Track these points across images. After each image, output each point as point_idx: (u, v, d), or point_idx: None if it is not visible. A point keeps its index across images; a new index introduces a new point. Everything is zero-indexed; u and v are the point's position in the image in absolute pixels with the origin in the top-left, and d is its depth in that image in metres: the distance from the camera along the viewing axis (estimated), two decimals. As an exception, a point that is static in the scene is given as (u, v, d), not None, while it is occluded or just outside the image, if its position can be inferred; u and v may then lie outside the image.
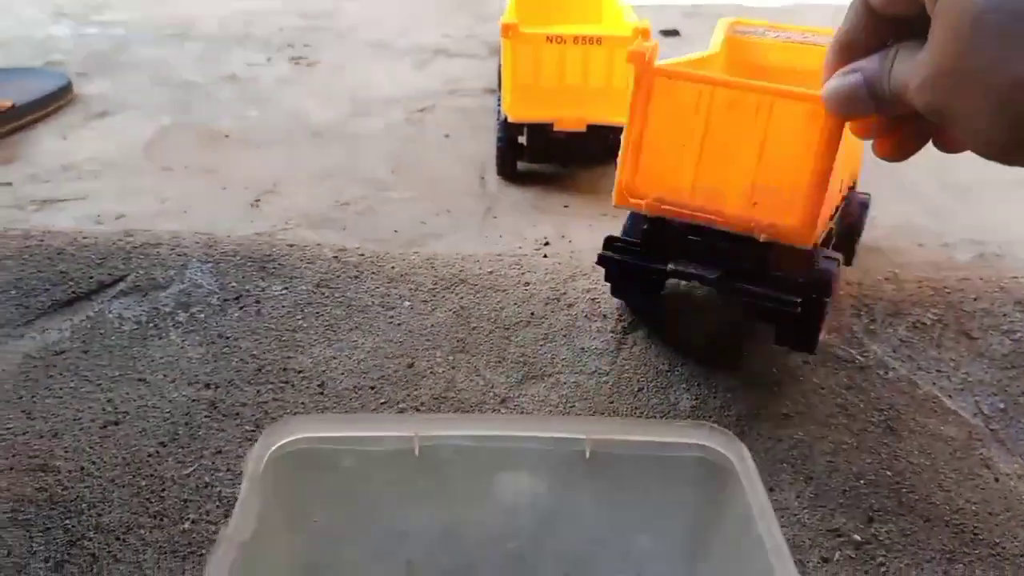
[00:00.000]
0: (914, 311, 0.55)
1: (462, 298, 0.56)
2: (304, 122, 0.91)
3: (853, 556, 0.44)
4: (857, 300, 0.56)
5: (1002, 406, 0.51)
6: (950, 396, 0.51)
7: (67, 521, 0.44)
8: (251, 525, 0.31)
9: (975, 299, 0.56)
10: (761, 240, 0.44)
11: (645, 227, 0.48)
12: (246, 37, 1.16)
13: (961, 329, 0.54)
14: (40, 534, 0.43)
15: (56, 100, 0.91)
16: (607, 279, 0.51)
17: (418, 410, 0.47)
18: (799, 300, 0.46)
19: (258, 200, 0.73)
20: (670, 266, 0.47)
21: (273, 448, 0.33)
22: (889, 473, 0.47)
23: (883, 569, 0.43)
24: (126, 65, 1.03)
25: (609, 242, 0.50)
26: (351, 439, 0.34)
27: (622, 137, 0.46)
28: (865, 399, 0.51)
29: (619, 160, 0.46)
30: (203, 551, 0.43)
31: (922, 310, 0.55)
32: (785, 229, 0.44)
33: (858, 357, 0.53)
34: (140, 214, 0.70)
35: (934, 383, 0.52)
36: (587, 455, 0.35)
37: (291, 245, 0.58)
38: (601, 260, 0.50)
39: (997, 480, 0.47)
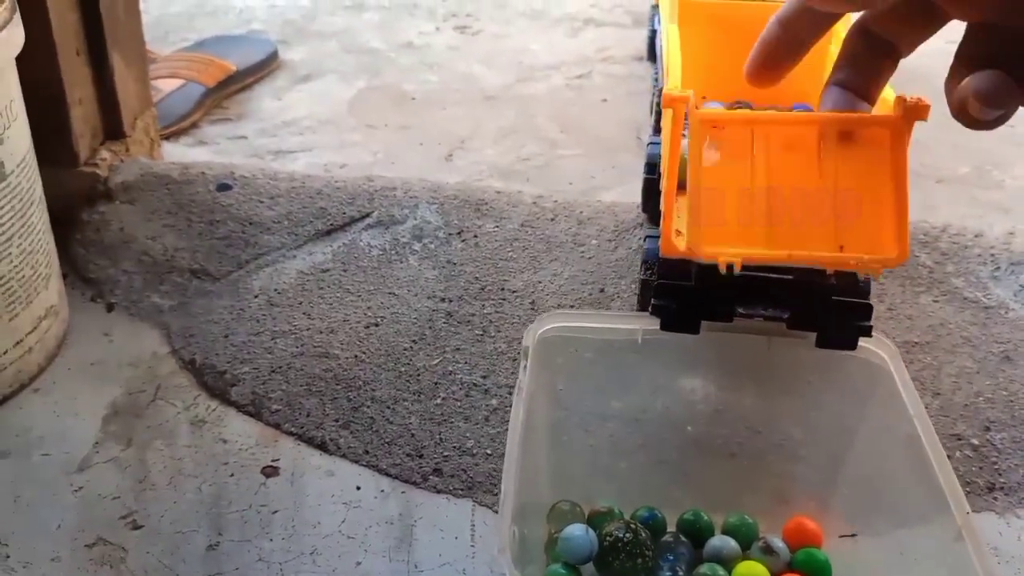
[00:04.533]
0: (1035, 261, 0.64)
1: (640, 239, 0.67)
2: (477, 86, 1.03)
3: (971, 456, 0.54)
4: (983, 251, 0.65)
5: (1110, 345, 0.60)
6: (1063, 334, 0.60)
7: (349, 393, 0.58)
8: (531, 383, 0.44)
9: (1092, 254, 0.64)
10: (830, 272, 0.42)
11: (696, 269, 0.44)
12: (415, 7, 1.29)
13: (1077, 278, 0.62)
14: (330, 402, 0.58)
15: (268, 65, 1.07)
16: (663, 327, 0.47)
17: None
18: (870, 325, 0.44)
19: (451, 154, 0.87)
20: (739, 310, 0.45)
21: (540, 331, 0.46)
22: (1004, 393, 0.57)
23: (996, 467, 0.53)
24: (317, 34, 1.18)
25: (661, 291, 0.45)
26: (592, 329, 0.47)
27: (663, 184, 0.42)
28: (987, 334, 0.60)
29: (666, 208, 0.43)
30: (453, 420, 0.57)
31: (1042, 261, 0.64)
32: (885, 262, 0.40)
33: (982, 299, 0.62)
34: (358, 164, 0.85)
35: (1049, 323, 0.61)
36: (769, 348, 0.47)
37: (498, 192, 0.71)
38: (656, 311, 0.46)
39: (1100, 403, 0.56)
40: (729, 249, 0.40)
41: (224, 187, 0.71)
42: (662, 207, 0.45)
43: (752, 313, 0.44)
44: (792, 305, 0.44)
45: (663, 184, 0.45)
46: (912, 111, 0.39)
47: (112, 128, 0.75)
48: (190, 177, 0.72)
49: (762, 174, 0.41)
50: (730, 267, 0.40)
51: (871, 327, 0.44)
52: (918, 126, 0.40)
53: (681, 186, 0.43)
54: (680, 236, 0.44)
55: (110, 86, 0.73)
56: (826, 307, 0.43)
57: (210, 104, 0.98)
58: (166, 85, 0.96)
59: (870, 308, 0.44)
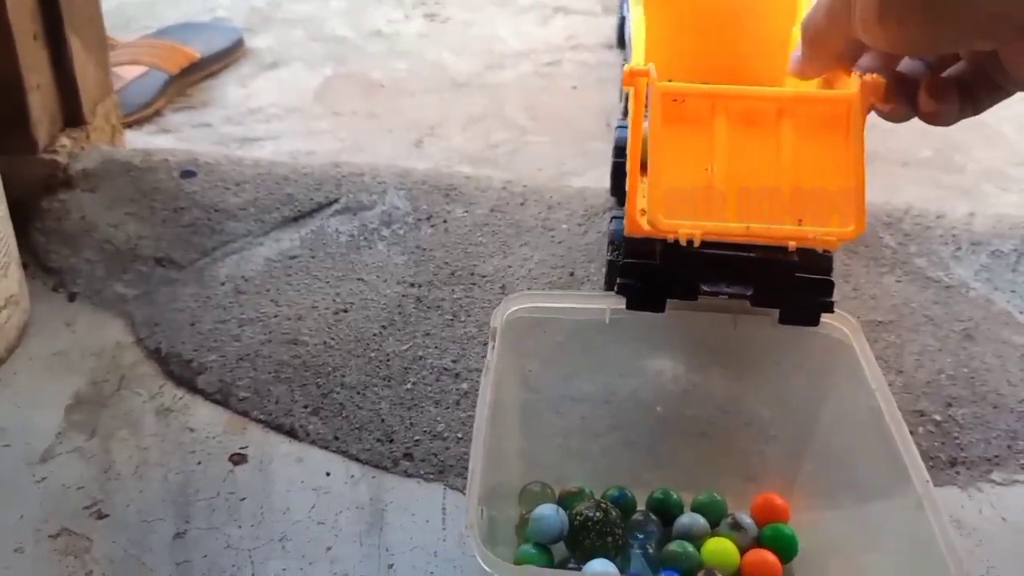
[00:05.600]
0: (994, 241, 0.65)
1: (609, 222, 0.68)
2: (446, 74, 1.03)
3: (933, 431, 0.55)
4: (945, 231, 0.66)
5: (1067, 323, 0.61)
6: (1021, 312, 0.61)
7: (318, 379, 0.58)
8: (499, 364, 0.44)
9: (1050, 233, 0.65)
10: (791, 248, 0.42)
11: (660, 248, 0.44)
12: (382, -5, 1.28)
13: (1035, 257, 0.64)
14: (299, 388, 0.58)
15: (233, 52, 1.05)
16: (629, 305, 0.47)
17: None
18: (832, 301, 0.45)
19: (420, 141, 0.86)
20: (704, 287, 0.45)
21: (508, 312, 0.46)
22: (966, 370, 0.58)
23: (957, 441, 0.54)
24: (283, 21, 1.17)
25: (626, 270, 0.46)
26: (560, 309, 0.47)
27: (627, 165, 0.43)
28: (948, 312, 0.61)
29: (630, 188, 0.43)
30: (423, 405, 0.56)
31: (1001, 240, 0.65)
32: (842, 236, 0.41)
33: (944, 278, 0.63)
34: (326, 152, 0.84)
35: (1008, 301, 0.62)
36: (735, 327, 0.47)
37: (467, 177, 0.71)
38: (622, 290, 0.46)
39: (1058, 379, 0.58)
40: (689, 223, 0.41)
41: (188, 174, 0.70)
42: (627, 187, 0.45)
43: (716, 291, 0.45)
44: (755, 282, 0.44)
45: (628, 165, 0.45)
46: (868, 88, 0.39)
47: (71, 114, 0.73)
48: (153, 164, 0.71)
49: (723, 148, 0.41)
50: (690, 241, 0.41)
51: (833, 303, 0.44)
52: None
53: (644, 166, 0.43)
54: (644, 215, 0.44)
55: (69, 71, 0.72)
56: (788, 284, 0.44)
57: (173, 92, 0.96)
58: (128, 72, 0.94)
59: (831, 284, 0.44)
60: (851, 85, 0.39)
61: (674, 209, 0.41)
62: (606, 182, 0.72)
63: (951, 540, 0.35)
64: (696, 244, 0.40)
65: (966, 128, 0.89)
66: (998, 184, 0.80)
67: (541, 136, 0.89)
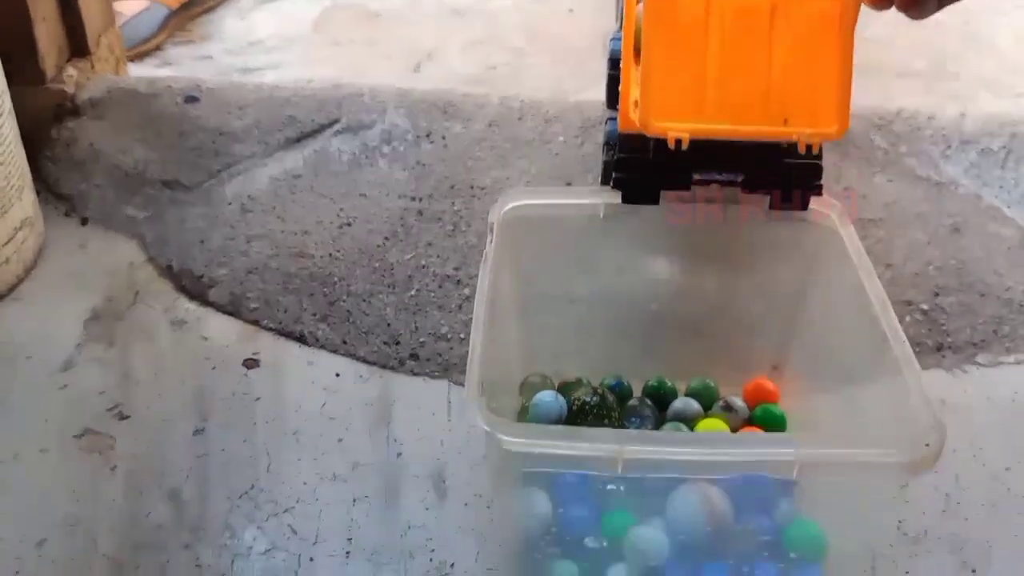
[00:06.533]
0: (983, 140, 0.66)
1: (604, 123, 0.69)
2: (444, 1, 1.03)
3: (920, 319, 0.57)
4: (935, 132, 0.67)
5: (1056, 217, 0.63)
6: (1008, 206, 0.63)
7: (325, 289, 0.60)
8: (498, 259, 0.45)
9: (1039, 131, 0.66)
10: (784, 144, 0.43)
11: (653, 142, 0.45)
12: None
13: (1022, 154, 0.65)
14: (307, 297, 0.60)
15: (230, -13, 1.05)
16: (625, 199, 0.48)
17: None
18: (820, 184, 0.46)
19: (419, 66, 0.87)
20: (696, 176, 0.46)
21: (506, 208, 0.48)
22: (953, 262, 0.60)
23: (944, 328, 0.56)
24: (279, -44, 1.17)
25: (621, 165, 0.47)
26: (557, 206, 0.48)
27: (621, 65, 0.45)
28: (938, 208, 0.63)
29: (623, 82, 0.44)
30: (427, 310, 0.58)
31: (990, 139, 0.66)
32: (825, 135, 0.42)
33: (934, 176, 0.65)
34: (326, 79, 0.85)
35: (996, 196, 0.63)
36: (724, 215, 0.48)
37: (465, 95, 0.72)
38: (617, 184, 0.48)
39: (1044, 269, 0.59)
40: (678, 124, 0.42)
41: (192, 99, 0.72)
42: (620, 82, 0.46)
43: (708, 178, 0.46)
44: (745, 168, 0.46)
45: (622, 61, 0.46)
46: None
47: (77, 46, 0.74)
48: (157, 91, 0.73)
49: (715, 48, 0.42)
50: (678, 141, 0.42)
51: (821, 186, 0.46)
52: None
53: (637, 52, 0.44)
54: (637, 108, 0.45)
55: (73, 3, 0.73)
56: (778, 169, 0.45)
57: (174, 26, 0.97)
58: (129, 8, 0.95)
59: (820, 169, 0.45)
60: None
61: (665, 110, 0.42)
62: (603, 97, 0.73)
63: (928, 405, 0.37)
64: (684, 147, 0.42)
65: (960, 38, 0.89)
66: (992, 91, 0.80)
67: (539, 58, 0.89)
